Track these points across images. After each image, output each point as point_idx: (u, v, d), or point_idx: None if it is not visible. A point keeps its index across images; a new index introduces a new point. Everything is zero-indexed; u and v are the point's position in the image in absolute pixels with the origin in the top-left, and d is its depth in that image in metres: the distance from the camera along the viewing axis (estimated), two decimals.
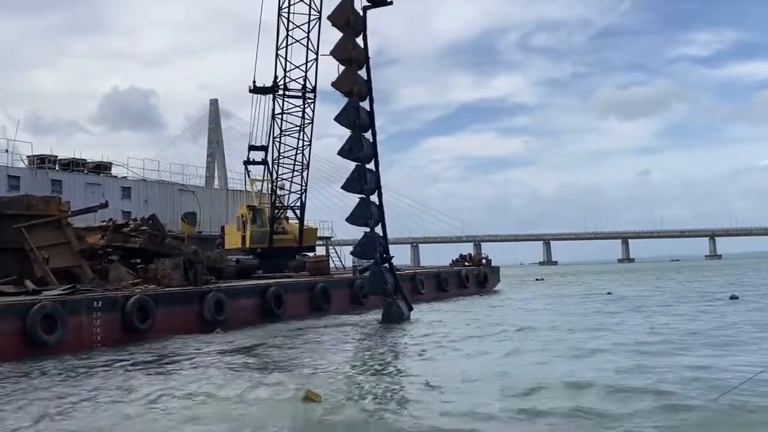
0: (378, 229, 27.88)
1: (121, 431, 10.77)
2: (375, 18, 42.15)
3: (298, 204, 40.30)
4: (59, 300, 20.51)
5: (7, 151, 47.61)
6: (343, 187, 27.90)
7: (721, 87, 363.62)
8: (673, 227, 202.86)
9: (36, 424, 11.19)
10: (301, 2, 37.08)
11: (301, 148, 39.16)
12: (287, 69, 38.05)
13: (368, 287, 29.70)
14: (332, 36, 28.50)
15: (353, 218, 27.56)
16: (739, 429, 9.81)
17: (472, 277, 48.18)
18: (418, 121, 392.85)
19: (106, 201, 30.92)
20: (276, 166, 39.49)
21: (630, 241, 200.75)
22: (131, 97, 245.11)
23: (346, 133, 27.50)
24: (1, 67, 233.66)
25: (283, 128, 38.87)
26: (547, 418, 10.60)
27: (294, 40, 37.56)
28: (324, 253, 54.29)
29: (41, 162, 50.60)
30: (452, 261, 54.06)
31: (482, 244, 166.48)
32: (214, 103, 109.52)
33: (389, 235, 29.13)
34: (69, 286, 22.46)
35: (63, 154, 53.36)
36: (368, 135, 28.00)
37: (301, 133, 38.98)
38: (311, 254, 42.68)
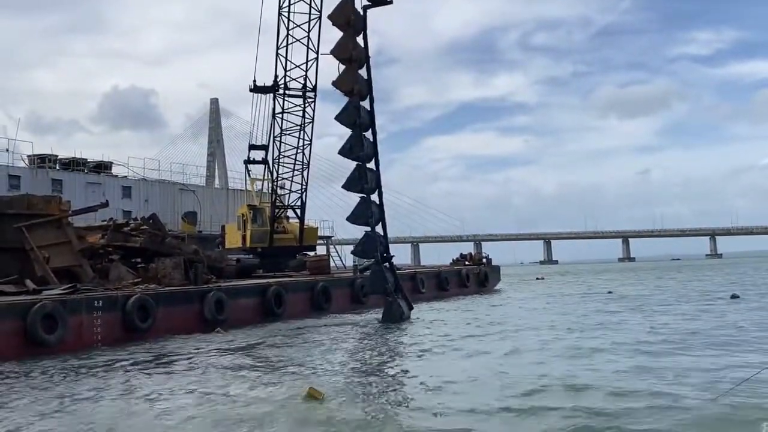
0: (378, 229, 27.89)
1: (121, 431, 10.76)
2: (375, 17, 42.09)
3: (299, 203, 40.31)
4: (60, 299, 20.51)
5: (7, 150, 47.71)
6: (343, 187, 27.89)
7: (721, 86, 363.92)
8: (674, 226, 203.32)
9: (36, 424, 11.18)
10: (302, 1, 37.12)
11: (301, 148, 39.17)
12: (287, 68, 38.07)
13: (369, 286, 29.70)
14: (332, 35, 28.54)
15: (354, 217, 27.56)
16: (739, 429, 9.79)
17: (473, 276, 48.17)
18: (418, 120, 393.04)
19: (107, 200, 30.89)
20: (276, 166, 39.50)
21: (630, 240, 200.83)
22: (131, 97, 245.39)
23: (346, 132, 27.53)
24: (2, 66, 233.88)
25: (283, 127, 38.88)
26: (547, 417, 10.60)
27: (294, 40, 37.58)
28: (324, 252, 54.37)
29: (42, 161, 50.65)
30: (453, 260, 54.04)
31: (482, 243, 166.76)
32: (214, 102, 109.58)
33: (389, 235, 29.12)
34: (69, 285, 22.45)
35: (63, 153, 53.52)
36: (368, 134, 28.00)
37: (302, 132, 38.99)
38: (312, 253, 42.69)
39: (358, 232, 29.26)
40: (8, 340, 18.64)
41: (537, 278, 75.55)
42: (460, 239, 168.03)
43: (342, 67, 27.40)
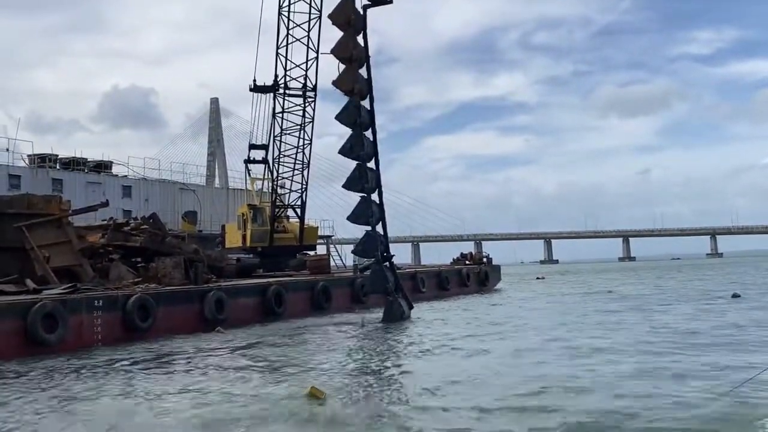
0: (378, 228, 27.89)
1: (123, 430, 10.74)
2: (375, 16, 42.09)
3: (299, 203, 40.30)
4: (60, 299, 20.51)
5: (7, 150, 47.71)
6: (344, 186, 27.88)
7: (722, 85, 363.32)
8: (674, 226, 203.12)
9: (36, 424, 11.18)
10: (302, 1, 37.10)
11: (301, 147, 39.17)
12: (287, 68, 38.06)
13: (369, 286, 29.70)
14: (332, 34, 28.53)
15: (354, 217, 27.56)
16: (741, 428, 9.77)
17: (473, 275, 48.16)
18: (418, 120, 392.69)
19: (107, 200, 30.91)
20: (276, 165, 39.49)
21: (631, 239, 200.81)
22: (131, 96, 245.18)
23: (346, 131, 27.52)
24: (2, 66, 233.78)
25: (283, 127, 38.87)
26: (548, 417, 10.58)
27: (294, 39, 37.56)
28: (325, 251, 54.36)
29: (42, 161, 50.64)
30: (453, 260, 54.03)
31: (483, 242, 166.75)
32: (214, 101, 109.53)
33: (390, 234, 29.12)
34: (70, 285, 22.45)
35: (63, 153, 53.48)
36: (368, 133, 28.00)
37: (302, 131, 38.98)
38: (312, 253, 42.68)
39: (359, 231, 29.30)
40: (8, 340, 18.64)
41: (537, 278, 75.54)
42: (460, 239, 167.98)
43: (342, 66, 27.40)
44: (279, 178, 39.79)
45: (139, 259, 28.42)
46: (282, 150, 39.13)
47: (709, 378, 13.13)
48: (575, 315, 28.28)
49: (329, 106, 39.35)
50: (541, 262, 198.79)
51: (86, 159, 54.26)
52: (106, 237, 27.95)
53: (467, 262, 52.19)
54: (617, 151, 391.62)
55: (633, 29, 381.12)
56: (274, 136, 39.14)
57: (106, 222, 30.38)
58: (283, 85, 38.40)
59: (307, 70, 38.06)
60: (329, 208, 75.86)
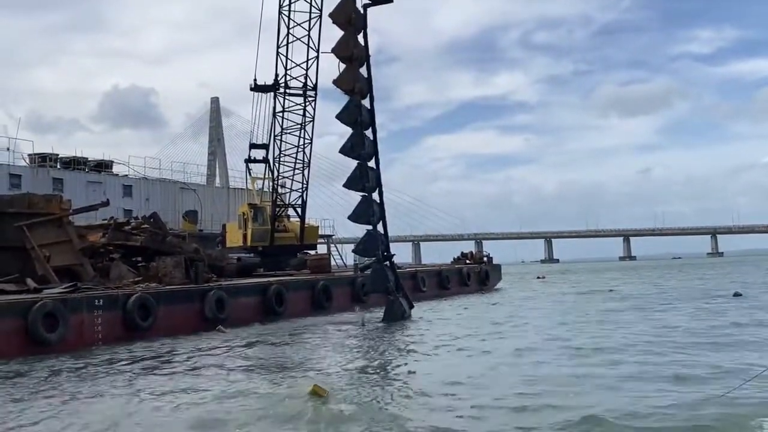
0: (379, 227, 27.88)
1: (122, 430, 10.74)
2: (375, 16, 42.15)
3: (300, 202, 40.30)
4: (60, 298, 20.51)
5: (8, 149, 47.69)
6: (345, 185, 27.89)
7: (722, 84, 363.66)
8: (675, 225, 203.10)
9: (37, 424, 11.18)
10: (302, 0, 37.09)
11: (302, 146, 39.17)
12: (288, 67, 38.06)
13: (370, 285, 29.70)
14: (333, 34, 28.52)
15: (355, 216, 27.56)
16: (740, 429, 9.76)
17: (474, 275, 48.15)
18: (418, 119, 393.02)
19: (108, 199, 30.88)
20: (277, 164, 39.49)
21: (631, 238, 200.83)
22: (132, 96, 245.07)
23: (346, 131, 27.52)
24: (2, 65, 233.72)
25: (284, 126, 38.87)
26: (549, 416, 10.57)
27: (295, 38, 37.57)
28: (325, 251, 54.35)
29: (42, 160, 50.62)
30: (453, 259, 54.03)
31: (483, 241, 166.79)
32: (215, 101, 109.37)
33: (390, 233, 29.11)
34: (70, 284, 22.45)
35: (64, 152, 53.44)
36: (368, 133, 27.99)
37: (302, 131, 38.98)
38: (312, 252, 42.67)
39: (359, 230, 29.31)
40: (9, 339, 18.64)
41: (538, 277, 75.54)
42: (461, 238, 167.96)
43: (342, 65, 27.39)
44: (279, 177, 39.79)
45: (139, 259, 28.41)
46: (282, 149, 39.13)
47: (709, 378, 13.11)
48: (575, 314, 28.26)
49: (330, 105, 39.39)
50: (542, 261, 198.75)
51: (87, 158, 54.24)
52: (107, 236, 27.95)
53: (468, 261, 52.19)
54: (618, 151, 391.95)
55: (633, 28, 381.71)
56: (275, 136, 39.15)
57: (106, 221, 30.38)
58: (283, 85, 38.39)
59: (307, 70, 38.11)
60: (330, 208, 75.91)
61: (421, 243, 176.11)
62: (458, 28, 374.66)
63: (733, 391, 11.28)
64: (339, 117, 27.34)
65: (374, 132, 28.30)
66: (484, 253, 57.00)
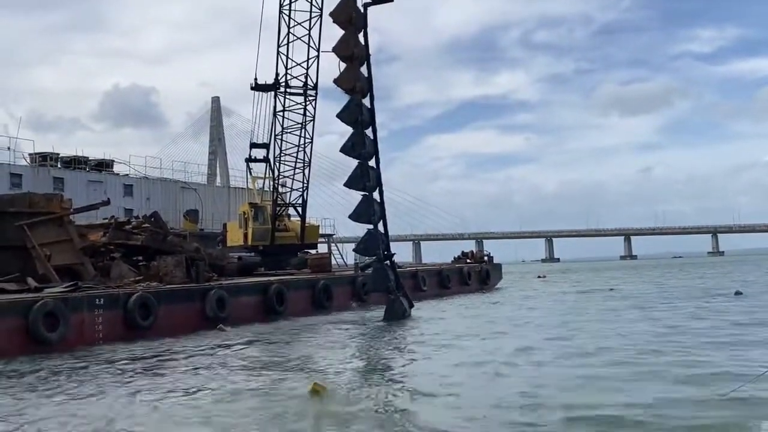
0: (379, 227, 27.88)
1: (122, 429, 10.74)
2: (376, 15, 41.99)
3: (300, 201, 40.29)
4: (61, 297, 20.52)
5: (9, 148, 47.70)
6: (345, 185, 27.91)
7: (723, 83, 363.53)
8: (676, 224, 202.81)
9: (37, 423, 11.18)
10: None
11: (302, 146, 39.15)
12: (288, 66, 38.04)
13: (371, 284, 29.74)
14: (333, 33, 28.52)
15: (356, 215, 27.57)
16: (741, 430, 9.74)
17: (474, 274, 48.13)
18: (419, 118, 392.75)
19: (108, 198, 30.89)
20: (278, 164, 39.47)
21: (632, 238, 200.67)
22: (132, 95, 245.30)
23: (347, 130, 27.51)
24: (3, 65, 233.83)
25: (284, 125, 38.85)
26: (549, 415, 10.57)
27: (295, 37, 37.53)
28: (326, 250, 54.34)
29: (43, 160, 50.61)
30: (454, 258, 54.02)
31: (484, 241, 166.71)
32: (215, 100, 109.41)
33: (391, 233, 29.12)
34: (71, 283, 22.46)
35: (65, 151, 53.44)
36: (369, 132, 27.99)
37: (303, 130, 38.96)
38: (313, 251, 42.65)
39: (360, 230, 29.31)
40: (10, 338, 18.66)
41: (539, 276, 75.49)
42: (461, 237, 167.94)
43: (343, 64, 27.39)
44: (280, 176, 39.77)
45: (140, 258, 28.42)
46: (283, 148, 39.11)
47: (711, 378, 13.07)
48: (576, 314, 28.27)
49: (330, 104, 39.38)
50: (543, 260, 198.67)
51: (87, 158, 54.24)
52: (108, 235, 27.96)
53: (468, 260, 52.17)
54: (618, 150, 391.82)
55: (634, 27, 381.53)
56: (275, 135, 39.12)
57: (107, 221, 30.39)
58: (284, 84, 38.37)
59: (308, 69, 38.07)
60: (330, 207, 75.88)
61: (421, 242, 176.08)
62: (459, 27, 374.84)
63: (735, 391, 11.25)
64: (339, 116, 27.35)
65: (374, 131, 28.30)
66: (485, 252, 56.97)
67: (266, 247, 39.46)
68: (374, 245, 27.46)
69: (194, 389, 13.39)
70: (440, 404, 11.64)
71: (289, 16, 37.28)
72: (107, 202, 29.05)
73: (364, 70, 28.00)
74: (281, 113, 38.69)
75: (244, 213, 40.91)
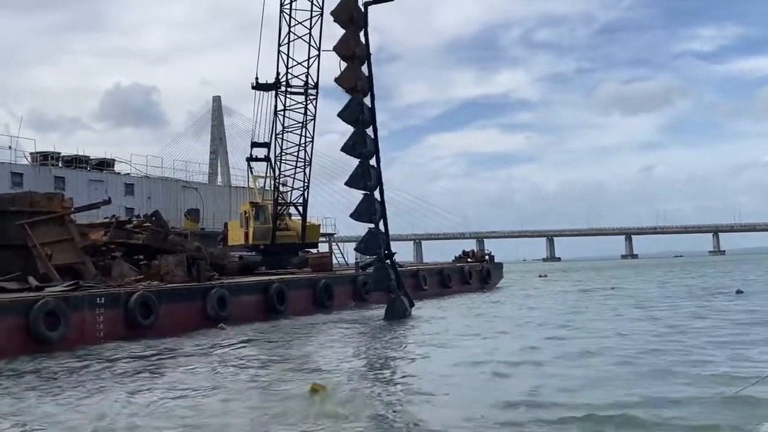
0: (380, 226, 27.87)
1: (124, 428, 10.74)
2: (376, 14, 42.02)
3: (301, 200, 40.30)
4: (62, 296, 20.53)
5: (10, 148, 47.68)
6: (346, 184, 27.90)
7: (724, 83, 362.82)
8: (677, 223, 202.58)
9: (36, 423, 11.19)
10: None
11: (303, 145, 39.15)
12: (289, 65, 38.05)
13: (372, 283, 29.76)
14: (334, 32, 28.51)
15: (357, 215, 27.56)
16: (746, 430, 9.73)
17: (475, 273, 48.12)
18: (420, 118, 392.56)
19: (109, 197, 30.88)
20: (279, 163, 39.48)
21: (633, 237, 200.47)
22: (133, 94, 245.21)
23: (348, 129, 27.51)
24: (3, 64, 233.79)
25: (285, 125, 38.85)
26: (548, 416, 10.57)
27: (296, 37, 37.53)
28: (327, 249, 54.36)
29: (44, 159, 50.62)
30: (455, 257, 54.03)
31: (485, 240, 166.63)
32: (216, 100, 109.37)
33: (391, 232, 29.13)
34: (72, 282, 22.47)
35: (66, 150, 53.43)
36: (369, 131, 27.98)
37: (304, 129, 38.97)
38: (314, 251, 42.65)
39: (361, 229, 29.30)
40: (11, 337, 18.66)
41: (540, 276, 75.45)
42: (462, 236, 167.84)
43: (343, 63, 27.38)
44: (281, 175, 39.79)
45: (141, 257, 28.42)
46: (284, 148, 39.12)
47: (712, 378, 13.05)
48: (577, 313, 28.26)
49: (331, 103, 39.40)
50: (544, 259, 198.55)
51: (89, 157, 54.25)
52: (109, 235, 27.97)
53: (469, 259, 52.17)
54: (620, 149, 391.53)
55: (635, 26, 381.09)
56: (276, 134, 39.12)
57: (108, 220, 30.40)
58: (284, 83, 38.37)
59: (308, 68, 38.08)
60: (331, 206, 75.80)
61: (422, 241, 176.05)
62: (459, 26, 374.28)
63: (739, 392, 11.21)
64: (340, 115, 27.34)
65: (375, 130, 28.30)
66: (486, 251, 56.97)
67: (267, 247, 39.47)
68: (375, 244, 27.47)
69: (194, 389, 13.39)
70: (440, 404, 11.63)
71: (290, 15, 37.28)
72: (108, 202, 29.05)
73: (364, 69, 28.00)
74: (282, 112, 38.69)
75: (245, 212, 40.92)
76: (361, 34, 27.81)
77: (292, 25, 37.33)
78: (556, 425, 9.94)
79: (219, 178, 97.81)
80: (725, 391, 11.54)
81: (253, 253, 39.34)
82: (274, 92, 39.10)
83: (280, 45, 37.78)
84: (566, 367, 14.71)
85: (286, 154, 39.24)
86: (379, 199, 27.96)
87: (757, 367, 13.76)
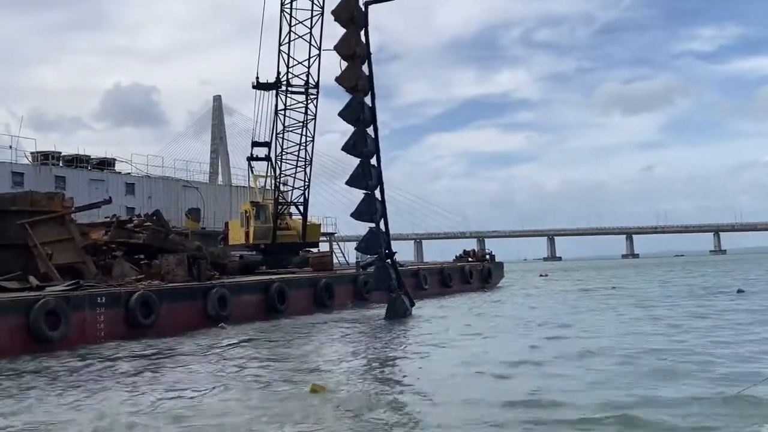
0: (380, 225, 27.85)
1: (124, 427, 10.73)
2: (377, 13, 42.10)
3: (302, 200, 40.30)
4: (63, 296, 20.52)
5: (10, 147, 47.70)
6: (347, 183, 27.88)
7: (724, 82, 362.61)
8: (677, 223, 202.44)
9: (35, 422, 11.18)
10: None
11: (304, 144, 39.15)
12: (290, 65, 38.06)
13: (373, 283, 29.75)
14: (334, 31, 28.49)
15: (358, 214, 27.54)
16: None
17: (476, 272, 48.10)
18: (421, 117, 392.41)
19: (110, 197, 30.88)
20: (279, 162, 39.48)
21: (634, 236, 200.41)
22: (133, 94, 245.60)
23: (348, 128, 27.49)
24: (4, 64, 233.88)
25: (286, 124, 38.86)
26: (548, 415, 10.55)
27: (297, 36, 37.54)
28: (327, 249, 54.35)
29: (45, 158, 50.63)
30: (456, 257, 54.01)
31: (486, 240, 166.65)
32: (217, 99, 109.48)
33: (392, 231, 29.11)
34: (72, 282, 22.47)
35: (66, 150, 53.45)
36: (369, 130, 27.97)
37: (304, 128, 38.96)
38: (315, 250, 42.64)
39: (361, 228, 29.29)
40: (11, 337, 18.66)
41: (540, 275, 75.43)
42: (463, 236, 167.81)
43: (344, 63, 27.36)
44: (282, 175, 39.79)
45: (142, 256, 28.43)
46: (284, 147, 39.12)
47: (714, 378, 13.02)
48: (578, 312, 28.24)
49: (331, 102, 39.39)
50: (544, 259, 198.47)
51: (89, 156, 54.27)
52: (109, 234, 27.97)
53: (470, 259, 52.16)
54: (620, 148, 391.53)
55: (635, 26, 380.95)
56: (277, 134, 39.13)
57: (109, 219, 30.40)
58: (285, 82, 38.37)
59: (309, 67, 38.09)
60: (332, 205, 75.74)
61: (423, 241, 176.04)
62: (459, 26, 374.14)
63: (743, 391, 11.17)
64: (341, 115, 27.32)
65: (375, 129, 28.28)
66: (487, 251, 56.95)
67: (268, 246, 39.47)
68: (376, 243, 27.46)
69: (194, 388, 13.37)
70: (440, 403, 11.61)
71: (291, 15, 37.28)
72: (109, 201, 29.05)
73: (365, 68, 27.97)
74: (283, 112, 38.69)
75: (246, 211, 40.92)
76: (362, 33, 27.80)
77: (292, 24, 37.34)
78: (556, 425, 9.92)
79: (220, 178, 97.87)
80: (727, 391, 11.51)
81: (254, 253, 39.34)
82: (274, 92, 39.10)
83: (280, 44, 37.81)
84: (567, 367, 14.68)
85: (287, 153, 39.24)
86: (380, 199, 27.94)
87: (759, 366, 13.74)
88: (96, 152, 56.01)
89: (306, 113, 38.80)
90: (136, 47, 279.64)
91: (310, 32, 37.33)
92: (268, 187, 43.42)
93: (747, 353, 15.76)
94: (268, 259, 37.95)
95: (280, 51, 37.95)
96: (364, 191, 27.36)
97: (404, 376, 14.60)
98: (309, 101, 38.66)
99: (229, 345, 20.10)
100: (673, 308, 28.50)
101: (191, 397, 12.53)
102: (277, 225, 39.99)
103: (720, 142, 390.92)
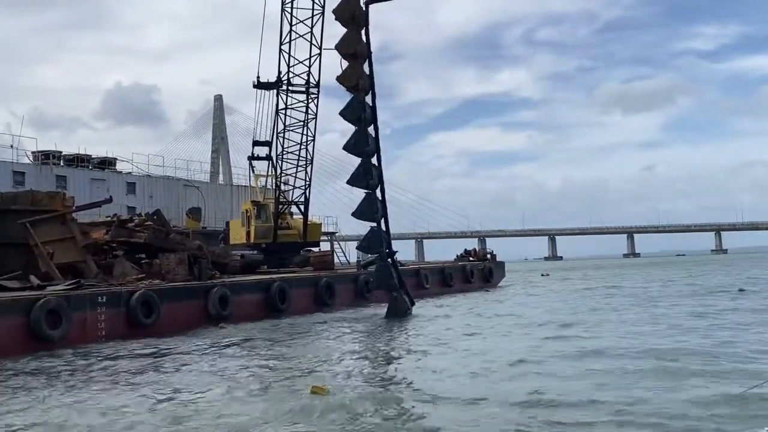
0: (381, 224, 27.84)
1: (123, 427, 10.72)
2: (378, 13, 42.10)
3: (302, 199, 40.28)
4: (64, 295, 20.52)
5: (11, 146, 47.76)
6: (348, 182, 27.89)
7: (725, 81, 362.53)
8: (679, 222, 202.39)
9: (35, 421, 11.18)
10: None
11: (304, 144, 39.13)
12: (291, 64, 38.02)
13: (374, 282, 29.74)
14: (335, 30, 28.47)
15: (359, 213, 27.54)
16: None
17: (477, 272, 48.08)
18: (422, 116, 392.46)
19: (111, 196, 30.88)
20: (280, 162, 39.47)
21: (635, 236, 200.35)
22: (134, 93, 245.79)
23: (349, 128, 27.49)
24: (5, 63, 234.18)
25: (286, 123, 38.83)
26: (549, 415, 10.53)
27: (297, 35, 37.50)
28: (328, 248, 54.35)
29: (46, 158, 50.68)
30: (457, 256, 53.99)
31: (487, 239, 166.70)
32: (218, 99, 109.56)
33: (393, 231, 29.10)
34: (73, 281, 22.47)
35: (67, 149, 53.55)
36: (370, 130, 27.96)
37: (305, 128, 38.95)
38: (315, 249, 42.62)
39: (362, 228, 29.30)
40: (12, 336, 18.66)
41: (542, 274, 75.40)
42: (464, 235, 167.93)
43: (344, 62, 27.34)
44: (282, 174, 39.77)
45: (143, 256, 28.42)
46: (285, 146, 39.10)
47: (717, 378, 13.00)
48: (579, 312, 28.21)
49: (332, 102, 39.59)
50: (546, 258, 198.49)
51: (90, 156, 54.33)
52: (110, 233, 27.98)
53: (471, 258, 52.14)
54: (621, 147, 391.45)
55: (637, 25, 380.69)
56: (278, 133, 39.10)
57: (110, 218, 30.42)
58: (286, 82, 38.34)
59: (310, 67, 38.04)
60: (333, 205, 75.84)
61: (424, 240, 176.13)
62: (461, 25, 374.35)
63: (747, 391, 11.13)
64: (342, 114, 27.31)
65: (376, 129, 28.27)
66: (488, 250, 56.92)
67: (269, 245, 39.46)
68: (377, 243, 27.46)
69: (194, 388, 13.36)
70: (441, 403, 11.59)
71: (291, 14, 37.24)
72: (110, 200, 29.05)
73: (366, 68, 27.95)
74: (283, 111, 38.66)
75: (247, 211, 40.91)
76: (363, 32, 27.77)
77: (293, 23, 37.30)
78: (556, 425, 9.90)
79: (220, 177, 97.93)
80: (730, 390, 11.48)
81: (255, 252, 39.32)
82: (275, 91, 39.07)
83: (281, 44, 37.77)
84: (567, 367, 14.66)
85: (288, 152, 39.22)
86: (381, 198, 27.93)
87: (761, 366, 13.71)
88: (97, 152, 56.11)
89: (307, 112, 38.79)
90: (137, 47, 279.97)
91: (311, 31, 37.31)
92: (268, 186, 43.42)
93: (748, 353, 15.73)
94: (268, 258, 37.95)
95: (280, 50, 37.93)
96: (365, 190, 27.36)
97: (405, 376, 14.58)
98: (310, 100, 38.65)
99: (230, 345, 20.09)
100: (674, 307, 28.46)
101: (191, 397, 12.51)
102: (278, 224, 39.98)
103: (721, 141, 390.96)
